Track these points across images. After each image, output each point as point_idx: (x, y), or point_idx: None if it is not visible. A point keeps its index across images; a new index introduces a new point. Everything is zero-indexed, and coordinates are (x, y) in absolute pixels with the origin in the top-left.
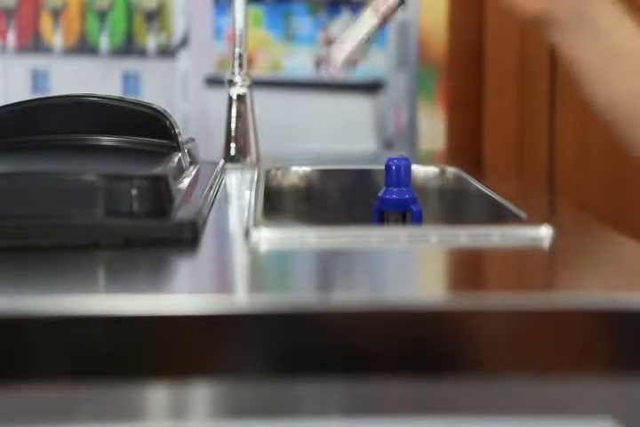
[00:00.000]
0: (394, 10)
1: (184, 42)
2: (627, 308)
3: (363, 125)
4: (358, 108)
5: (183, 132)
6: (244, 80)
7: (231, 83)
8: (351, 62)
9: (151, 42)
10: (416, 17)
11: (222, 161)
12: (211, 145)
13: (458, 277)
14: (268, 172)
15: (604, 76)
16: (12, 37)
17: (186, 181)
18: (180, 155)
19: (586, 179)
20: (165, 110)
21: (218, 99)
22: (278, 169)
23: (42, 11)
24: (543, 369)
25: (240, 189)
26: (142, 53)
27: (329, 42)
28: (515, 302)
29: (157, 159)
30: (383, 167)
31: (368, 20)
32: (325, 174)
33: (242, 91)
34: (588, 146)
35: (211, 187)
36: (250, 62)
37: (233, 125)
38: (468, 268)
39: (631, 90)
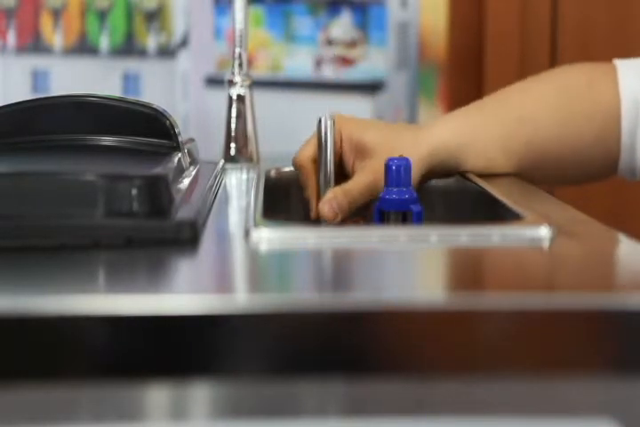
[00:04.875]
0: None
1: (184, 42)
2: (627, 308)
3: None
4: (358, 108)
5: (183, 132)
6: (243, 80)
7: (231, 83)
8: None
9: (151, 42)
10: (416, 17)
11: (222, 161)
12: (211, 145)
13: (458, 277)
14: (268, 172)
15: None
16: (12, 37)
17: (186, 181)
18: (179, 155)
19: None
20: (165, 110)
21: (218, 99)
22: (278, 169)
23: (42, 11)
24: (543, 369)
25: (240, 189)
26: (142, 53)
27: (329, 42)
28: (515, 302)
29: (157, 159)
30: None
31: None
32: None
33: (242, 91)
34: None
35: (211, 187)
36: (250, 62)
37: (233, 125)
38: (468, 268)
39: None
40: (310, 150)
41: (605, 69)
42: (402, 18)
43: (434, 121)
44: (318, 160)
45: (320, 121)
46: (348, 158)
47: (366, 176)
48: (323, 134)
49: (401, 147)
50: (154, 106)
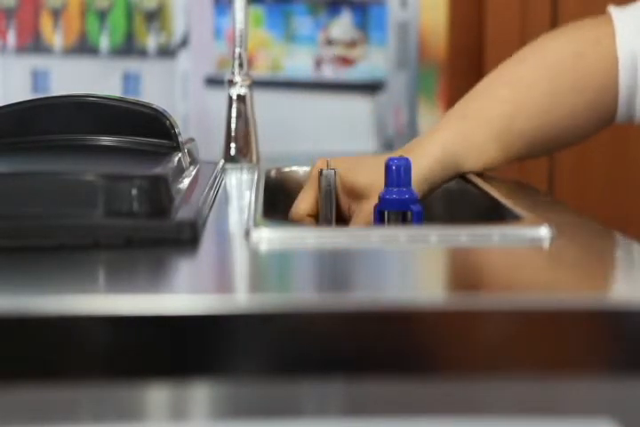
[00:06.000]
0: None
1: (184, 42)
2: (626, 308)
3: (363, 125)
4: (358, 108)
5: (183, 132)
6: (243, 80)
7: (231, 83)
8: None
9: (151, 42)
10: (416, 17)
11: (222, 161)
12: (211, 145)
13: (458, 277)
14: (268, 172)
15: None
16: (12, 37)
17: (186, 181)
18: (179, 155)
19: (586, 179)
20: (165, 110)
21: (218, 99)
22: (278, 169)
23: (42, 11)
24: (543, 369)
25: (240, 189)
26: (142, 53)
27: (329, 42)
28: (515, 302)
29: (157, 159)
30: None
31: None
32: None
33: (242, 91)
34: (589, 146)
35: (211, 187)
36: (250, 62)
37: (233, 125)
38: (468, 268)
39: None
40: (306, 205)
41: (599, 27)
42: (402, 18)
43: (422, 138)
44: (320, 210)
45: (322, 173)
46: (344, 202)
47: (363, 220)
48: (324, 186)
49: None
50: (154, 106)
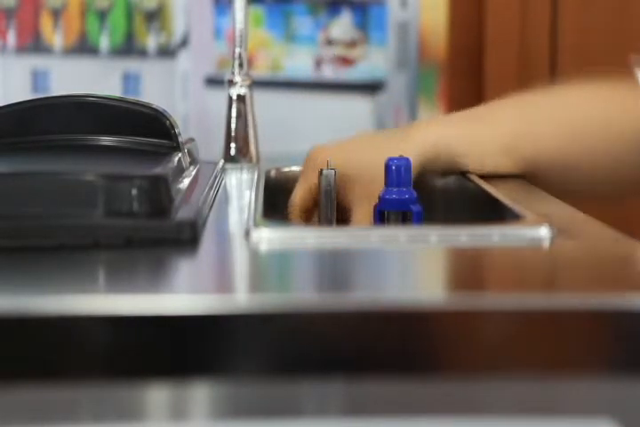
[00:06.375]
0: None
1: (184, 42)
2: (627, 308)
3: (363, 125)
4: (358, 108)
5: (183, 132)
6: (243, 80)
7: (231, 83)
8: None
9: (151, 42)
10: (416, 17)
11: (222, 161)
12: (211, 145)
13: (458, 278)
14: (268, 172)
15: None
16: (12, 37)
17: (186, 181)
18: (179, 155)
19: None
20: (165, 110)
21: (218, 99)
22: (278, 169)
23: (42, 11)
24: (543, 369)
25: (240, 189)
26: (142, 53)
27: (329, 42)
28: (515, 302)
29: (157, 159)
30: None
31: None
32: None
33: (242, 91)
34: None
35: (211, 187)
36: (250, 62)
37: (233, 125)
38: (468, 268)
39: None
40: (298, 199)
41: (625, 91)
42: (402, 18)
43: (425, 120)
44: (319, 207)
45: (322, 173)
46: (339, 192)
47: (365, 208)
48: (324, 186)
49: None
50: (154, 106)
